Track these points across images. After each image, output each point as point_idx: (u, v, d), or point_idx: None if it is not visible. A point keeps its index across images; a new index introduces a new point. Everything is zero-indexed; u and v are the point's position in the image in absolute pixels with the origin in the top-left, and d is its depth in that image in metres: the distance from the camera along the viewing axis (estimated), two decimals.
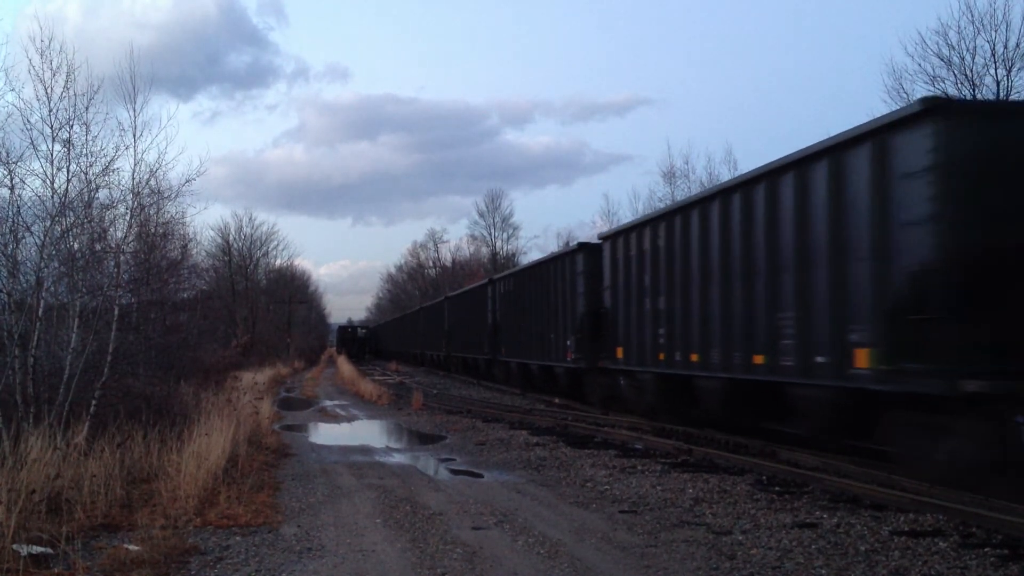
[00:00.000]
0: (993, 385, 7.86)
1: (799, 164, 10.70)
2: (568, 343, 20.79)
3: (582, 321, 19.71)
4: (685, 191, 37.91)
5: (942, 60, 22.22)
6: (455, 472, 11.31)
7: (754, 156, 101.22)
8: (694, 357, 13.57)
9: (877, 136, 9.20)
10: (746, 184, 12.15)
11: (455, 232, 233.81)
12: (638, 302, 16.04)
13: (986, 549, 6.66)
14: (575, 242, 21.65)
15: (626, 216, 43.55)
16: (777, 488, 9.48)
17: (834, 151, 9.97)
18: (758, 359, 11.61)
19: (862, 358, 9.35)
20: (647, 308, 15.57)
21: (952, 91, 21.76)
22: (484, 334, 31.20)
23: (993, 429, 8.02)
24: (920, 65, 22.80)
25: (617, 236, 17.45)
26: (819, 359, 10.18)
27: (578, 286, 20.25)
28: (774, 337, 11.15)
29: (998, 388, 7.82)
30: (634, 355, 16.20)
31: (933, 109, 8.47)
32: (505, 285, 28.98)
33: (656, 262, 15.16)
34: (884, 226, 9.05)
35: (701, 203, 13.73)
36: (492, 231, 68.34)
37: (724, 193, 12.89)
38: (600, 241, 18.76)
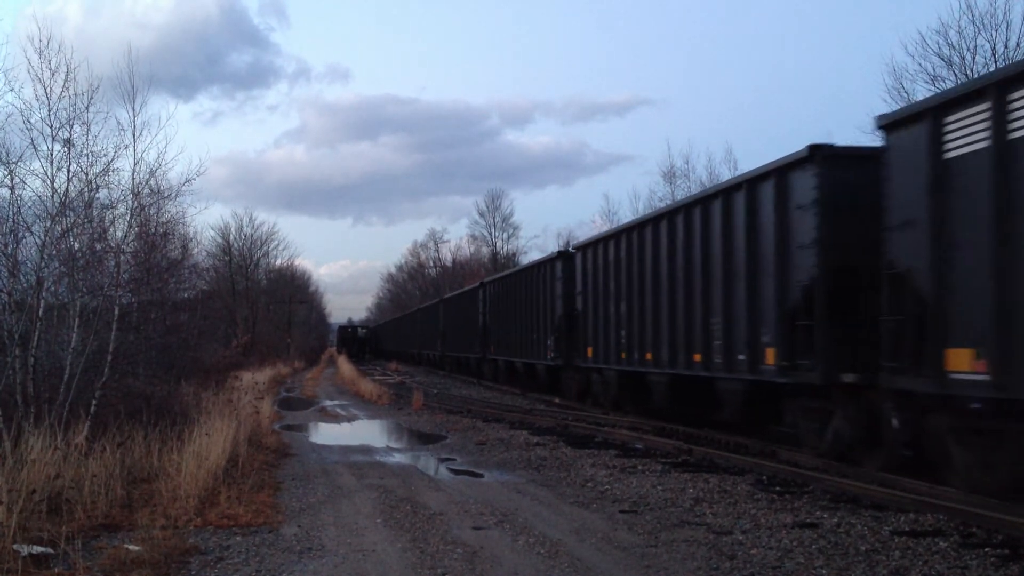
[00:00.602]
0: (862, 377, 9.64)
1: (726, 192, 12.69)
2: (548, 343, 22.60)
3: (559, 323, 21.63)
4: (685, 191, 37.93)
5: (942, 60, 22.19)
6: (455, 472, 11.31)
7: (754, 156, 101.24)
8: (648, 356, 15.53)
9: (779, 173, 11.10)
10: (688, 207, 14.09)
11: (455, 232, 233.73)
12: (604, 307, 17.99)
13: (986, 549, 6.65)
14: (556, 250, 23.85)
15: (626, 216, 43.72)
16: (777, 488, 9.48)
17: (751, 183, 11.82)
18: (697, 357, 13.53)
19: (770, 356, 11.26)
20: (612, 312, 17.51)
21: None
22: (475, 334, 33.05)
23: (865, 413, 9.88)
24: (920, 65, 22.78)
25: (587, 247, 19.55)
26: (740, 357, 12.09)
27: (556, 291, 22.06)
28: (708, 339, 13.07)
29: (866, 379, 9.53)
30: (601, 354, 18.17)
31: (816, 153, 10.36)
32: (495, 288, 30.81)
33: (618, 272, 17.14)
34: (784, 248, 11.01)
35: (653, 221, 15.65)
36: (492, 231, 68.34)
37: (670, 214, 14.76)
38: (575, 251, 20.76)
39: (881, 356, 9.07)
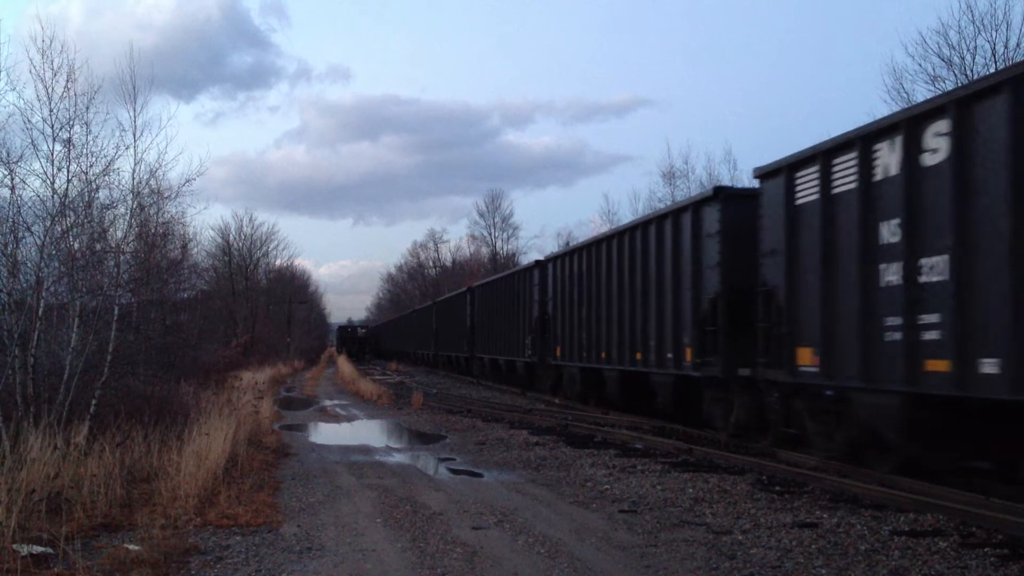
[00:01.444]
0: (752, 371, 12.02)
1: (658, 219, 15.50)
2: (526, 342, 25.34)
3: (535, 325, 24.22)
4: (685, 191, 37.99)
5: (942, 60, 22.22)
6: (455, 472, 11.30)
7: (754, 156, 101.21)
8: (603, 354, 18.12)
9: (695, 207, 13.89)
10: (631, 230, 16.82)
11: (455, 232, 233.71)
12: (570, 311, 20.66)
13: (986, 549, 6.65)
14: (533, 260, 26.13)
15: (626, 216, 43.85)
16: (777, 488, 9.49)
17: (676, 213, 14.71)
18: (638, 356, 16.13)
19: (689, 355, 13.93)
20: (575, 316, 20.16)
21: None
22: (464, 335, 36.30)
23: (756, 400, 12.32)
24: (920, 65, 22.92)
25: (557, 259, 22.45)
26: (668, 355, 14.76)
27: (533, 296, 24.67)
28: (646, 340, 15.72)
29: (757, 374, 11.85)
30: (567, 352, 20.92)
31: (719, 193, 13.31)
32: (481, 293, 33.81)
33: (580, 282, 19.82)
34: (698, 268, 13.64)
35: (606, 240, 18.34)
36: (492, 231, 68.38)
37: (619, 235, 17.52)
38: (547, 261, 23.80)
39: (758, 354, 11.63)
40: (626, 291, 16.69)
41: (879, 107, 27.06)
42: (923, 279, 8.62)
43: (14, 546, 6.13)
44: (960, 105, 8.18)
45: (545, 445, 13.64)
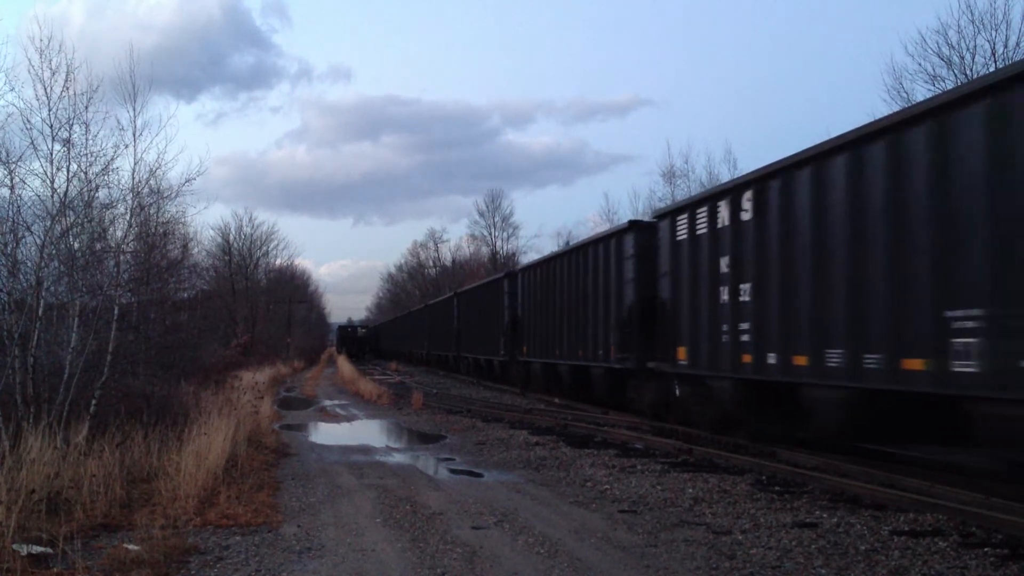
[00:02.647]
0: (659, 364, 15.18)
1: (594, 243, 19.45)
2: (501, 342, 28.66)
3: (507, 327, 27.61)
4: (685, 191, 38.00)
5: (942, 59, 22.23)
6: (455, 472, 11.30)
7: (755, 155, 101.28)
8: (557, 352, 21.92)
9: (618, 235, 17.73)
10: (577, 249, 20.91)
11: (455, 232, 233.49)
12: (534, 316, 24.50)
13: (986, 549, 6.65)
14: (504, 272, 30.59)
15: (625, 216, 43.79)
16: (777, 488, 9.48)
17: (606, 239, 18.58)
18: (580, 352, 19.87)
19: (614, 351, 17.56)
20: (538, 320, 23.83)
21: None
22: (451, 336, 39.70)
23: (664, 387, 15.49)
24: (920, 64, 22.89)
25: (525, 270, 26.80)
26: (600, 352, 18.45)
27: (505, 302, 28.15)
28: (586, 339, 19.37)
29: (662, 366, 15.04)
30: (532, 351, 24.73)
31: (634, 226, 17.17)
32: (463, 298, 37.45)
33: (542, 291, 23.50)
34: (620, 282, 17.43)
35: (560, 256, 22.38)
36: (492, 231, 68.35)
37: (569, 253, 21.72)
38: (516, 272, 27.95)
39: (657, 351, 15.24)
40: (573, 300, 20.47)
41: (879, 107, 27.09)
42: (741, 299, 12.12)
43: (14, 546, 6.12)
44: (759, 181, 11.78)
45: (545, 445, 13.63)
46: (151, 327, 16.04)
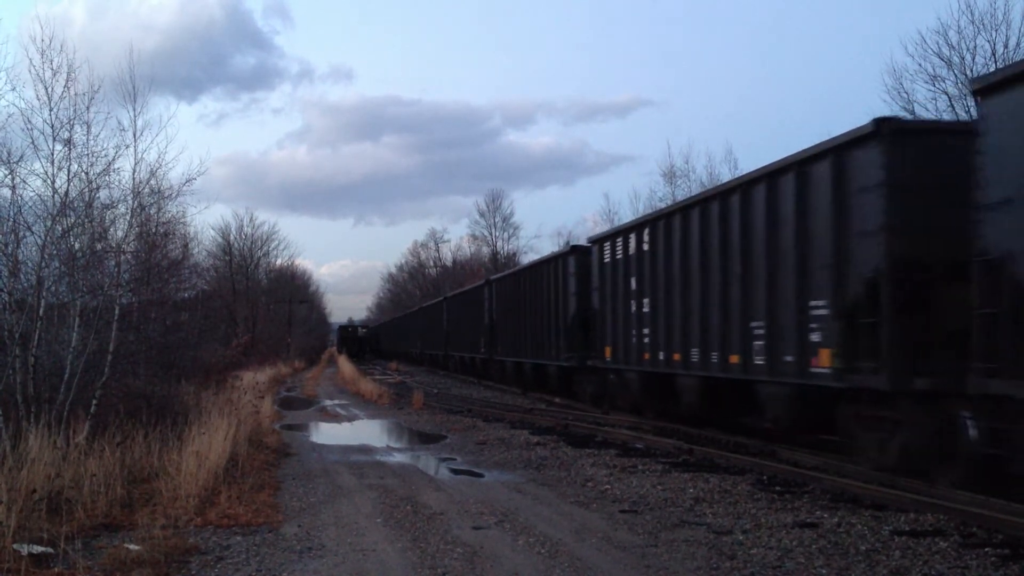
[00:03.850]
0: (595, 361, 18.76)
1: (545, 262, 24.09)
2: (481, 342, 31.67)
3: (485, 329, 30.90)
4: (685, 191, 37.97)
5: (942, 60, 22.14)
6: (456, 472, 11.30)
7: (754, 156, 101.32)
8: (522, 352, 25.67)
9: (564, 256, 22.00)
10: (536, 266, 25.24)
11: (456, 232, 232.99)
12: (506, 320, 28.40)
13: (986, 549, 6.65)
14: (484, 280, 32.47)
15: (625, 216, 44.01)
16: (778, 488, 9.48)
17: (555, 259, 22.92)
18: (539, 353, 23.74)
19: (563, 351, 21.42)
20: (509, 324, 27.61)
21: (952, 90, 21.85)
22: (442, 336, 42.69)
23: (600, 379, 18.94)
24: (920, 65, 22.71)
25: (499, 280, 30.74)
26: (553, 352, 22.34)
27: (484, 307, 31.14)
28: (546, 341, 23.02)
29: (596, 362, 18.69)
30: (505, 350, 28.57)
31: (575, 250, 21.32)
32: (453, 301, 40.14)
33: (511, 298, 27.37)
34: (566, 294, 21.29)
35: (527, 270, 26.75)
36: (492, 231, 68.27)
37: (529, 269, 26.24)
38: (493, 281, 31.61)
39: (593, 350, 18.80)
40: (536, 307, 24.18)
41: (879, 107, 27.07)
42: (644, 310, 15.77)
43: (14, 546, 6.13)
44: (652, 221, 15.70)
45: (546, 445, 13.63)
46: (152, 327, 16.04)
